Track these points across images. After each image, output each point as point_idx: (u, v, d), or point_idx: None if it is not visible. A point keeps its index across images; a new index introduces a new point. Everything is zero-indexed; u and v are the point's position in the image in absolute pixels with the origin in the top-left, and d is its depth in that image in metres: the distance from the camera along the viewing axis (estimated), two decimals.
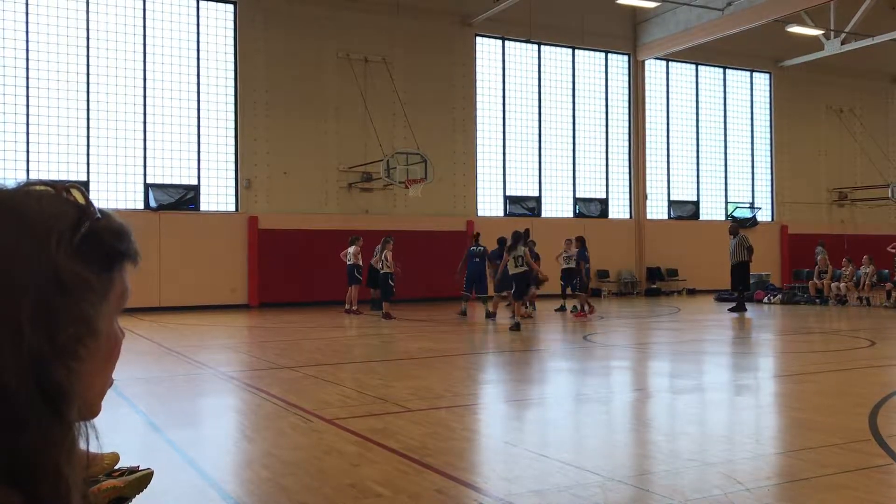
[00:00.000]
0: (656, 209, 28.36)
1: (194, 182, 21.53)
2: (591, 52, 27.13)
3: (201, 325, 16.81)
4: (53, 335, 0.74)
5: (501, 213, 25.44)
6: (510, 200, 25.73)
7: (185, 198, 21.34)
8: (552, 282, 18.50)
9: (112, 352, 0.83)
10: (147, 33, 21.01)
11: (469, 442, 6.28)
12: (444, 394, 8.18)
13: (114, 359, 0.84)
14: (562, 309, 19.15)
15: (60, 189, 0.81)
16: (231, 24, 21.97)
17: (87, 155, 20.32)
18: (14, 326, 0.72)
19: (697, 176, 29.35)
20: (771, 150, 30.79)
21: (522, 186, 26.04)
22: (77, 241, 0.78)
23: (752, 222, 29.24)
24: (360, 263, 18.97)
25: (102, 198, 19.61)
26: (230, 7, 21.96)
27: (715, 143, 29.77)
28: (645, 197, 27.88)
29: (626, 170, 27.85)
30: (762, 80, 30.63)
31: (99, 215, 0.82)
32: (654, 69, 28.39)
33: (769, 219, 30.56)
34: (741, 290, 19.40)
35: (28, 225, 0.76)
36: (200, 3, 21.66)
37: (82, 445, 0.78)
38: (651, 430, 6.66)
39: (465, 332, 15.68)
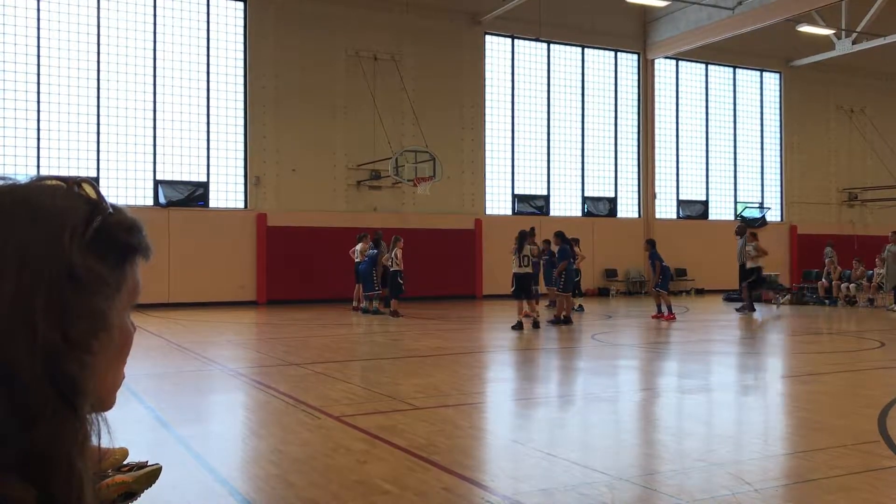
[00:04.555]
0: (665, 208, 28.28)
1: (203, 179, 21.58)
2: (601, 51, 27.07)
3: (210, 321, 16.86)
4: (67, 329, 0.74)
5: (510, 212, 25.42)
6: (518, 199, 25.70)
7: (195, 194, 21.40)
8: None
9: (124, 346, 0.83)
10: (157, 30, 21.06)
11: (476, 440, 6.28)
12: (452, 392, 8.18)
13: (126, 353, 0.84)
14: (579, 309, 19.19)
15: (72, 184, 0.82)
16: (241, 22, 22.00)
17: (97, 151, 20.40)
18: (28, 321, 0.72)
19: (707, 175, 29.27)
20: (781, 150, 30.67)
21: (531, 185, 26.01)
22: (89, 235, 0.78)
23: (761, 222, 29.12)
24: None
25: (112, 194, 19.62)
26: (240, 5, 21.99)
27: (724, 143, 29.67)
28: (653, 196, 27.81)
29: (635, 169, 27.79)
30: (772, 80, 30.51)
31: (111, 210, 0.82)
32: (663, 68, 28.31)
33: (778, 219, 30.44)
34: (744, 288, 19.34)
35: (41, 220, 0.76)
36: (210, 0, 21.70)
37: (94, 439, 0.78)
38: (659, 430, 6.65)
39: (473, 331, 15.69)
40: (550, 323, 15.43)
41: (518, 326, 14.52)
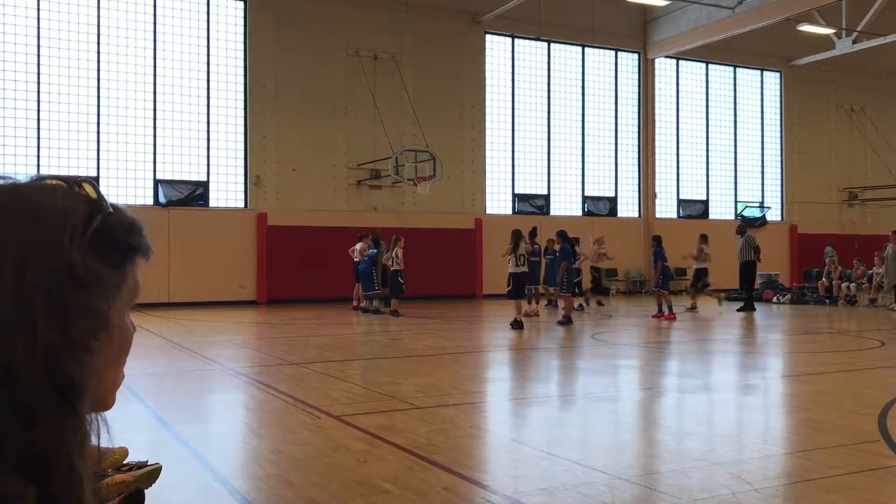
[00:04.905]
0: (665, 208, 28.28)
1: (203, 178, 21.59)
2: (601, 50, 27.07)
3: (210, 320, 16.86)
4: (67, 329, 0.74)
5: (510, 211, 25.42)
6: (519, 198, 25.71)
7: (195, 194, 21.40)
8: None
9: (124, 346, 0.83)
10: (157, 30, 21.07)
11: (476, 439, 6.28)
12: (452, 391, 8.18)
13: (126, 353, 0.84)
14: (580, 308, 19.22)
15: (73, 183, 0.82)
16: (241, 21, 22.00)
17: (98, 151, 20.40)
18: (28, 320, 0.72)
19: (707, 175, 29.27)
20: (781, 149, 30.67)
21: (531, 184, 26.01)
22: (90, 235, 0.78)
23: (761, 221, 29.13)
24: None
25: (112, 194, 19.67)
26: (240, 4, 21.99)
27: (724, 142, 29.67)
28: (654, 195, 27.80)
29: (635, 168, 27.79)
30: (773, 79, 30.50)
31: (111, 210, 0.82)
32: (663, 67, 28.31)
33: (779, 218, 30.44)
34: (747, 288, 19.36)
35: (41, 219, 0.76)
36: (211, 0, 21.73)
37: (94, 439, 0.78)
38: (659, 430, 6.65)
39: (473, 330, 15.68)
40: (559, 323, 15.42)
41: (517, 325, 14.49)
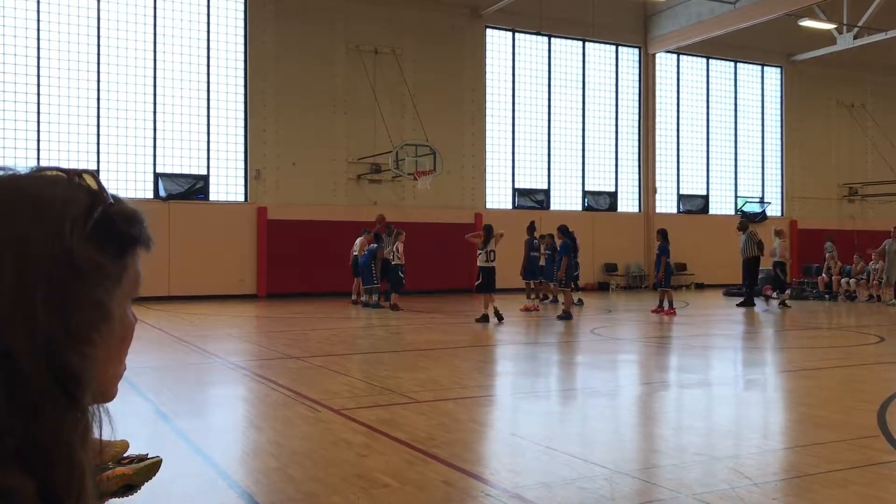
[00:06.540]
0: (665, 203, 28.27)
1: (204, 172, 21.57)
2: (602, 45, 27.03)
3: (210, 314, 16.87)
4: (67, 320, 0.74)
5: (510, 206, 25.41)
6: (519, 193, 25.68)
7: (195, 188, 21.38)
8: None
9: (125, 337, 0.83)
10: (157, 23, 21.02)
11: (476, 434, 6.29)
12: (452, 385, 8.19)
13: (127, 345, 0.84)
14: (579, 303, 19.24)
15: (73, 174, 0.81)
16: (241, 15, 21.96)
17: (98, 144, 20.38)
18: (29, 312, 0.72)
19: (707, 170, 29.25)
20: (781, 145, 30.64)
21: (531, 179, 25.99)
22: (90, 226, 0.77)
23: (761, 217, 29.12)
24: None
25: (112, 187, 19.42)
26: None
27: (725, 138, 29.64)
28: (654, 190, 27.79)
29: (636, 163, 27.76)
30: (773, 75, 30.46)
31: (111, 200, 0.82)
32: (664, 62, 28.26)
33: (779, 214, 30.43)
34: (748, 284, 19.36)
35: (42, 210, 0.76)
36: None
37: (96, 431, 0.78)
38: (658, 425, 6.66)
39: (472, 325, 15.70)
40: (558, 318, 15.45)
41: (483, 319, 14.52)
